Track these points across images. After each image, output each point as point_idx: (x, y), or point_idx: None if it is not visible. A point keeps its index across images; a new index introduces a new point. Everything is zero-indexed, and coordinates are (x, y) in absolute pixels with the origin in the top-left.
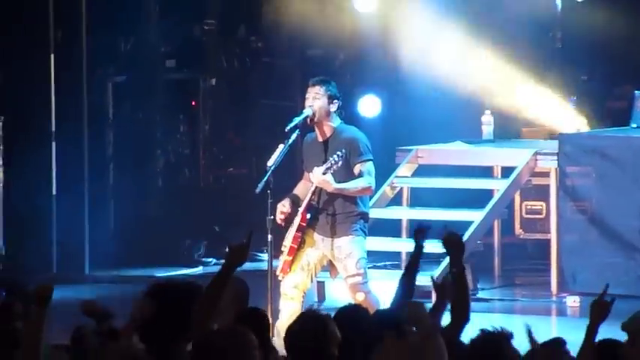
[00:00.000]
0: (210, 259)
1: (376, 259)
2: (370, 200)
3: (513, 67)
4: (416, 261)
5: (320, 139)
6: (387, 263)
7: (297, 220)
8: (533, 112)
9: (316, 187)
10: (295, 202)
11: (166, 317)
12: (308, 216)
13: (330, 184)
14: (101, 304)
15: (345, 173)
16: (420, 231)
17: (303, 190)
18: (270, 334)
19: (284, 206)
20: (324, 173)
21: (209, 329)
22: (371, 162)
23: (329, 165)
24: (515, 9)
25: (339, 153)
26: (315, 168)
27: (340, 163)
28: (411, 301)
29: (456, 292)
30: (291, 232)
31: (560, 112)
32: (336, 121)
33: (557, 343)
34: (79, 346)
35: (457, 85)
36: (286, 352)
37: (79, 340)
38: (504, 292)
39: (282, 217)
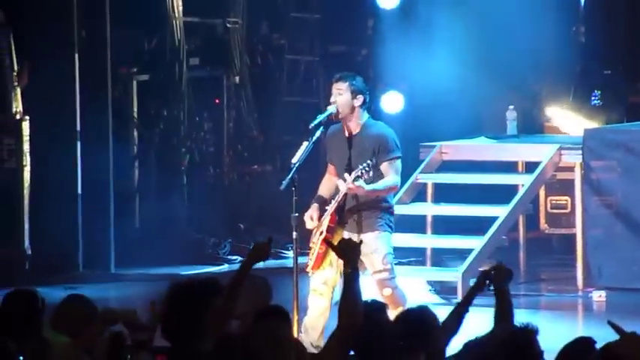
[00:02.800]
0: (235, 257)
1: (401, 255)
2: (395, 196)
3: (537, 63)
4: (472, 296)
5: (346, 134)
6: (412, 259)
7: (326, 221)
8: (558, 106)
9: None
10: (322, 205)
11: (186, 314)
12: (336, 218)
13: (362, 187)
14: (138, 316)
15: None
16: (500, 273)
17: (329, 186)
18: (295, 331)
19: (312, 218)
20: (354, 181)
21: (229, 327)
22: (399, 159)
23: (359, 174)
24: (539, 4)
25: (369, 162)
26: (346, 175)
27: (371, 173)
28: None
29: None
30: (319, 230)
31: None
32: (363, 117)
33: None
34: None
35: (481, 80)
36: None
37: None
38: (530, 288)
39: (313, 225)
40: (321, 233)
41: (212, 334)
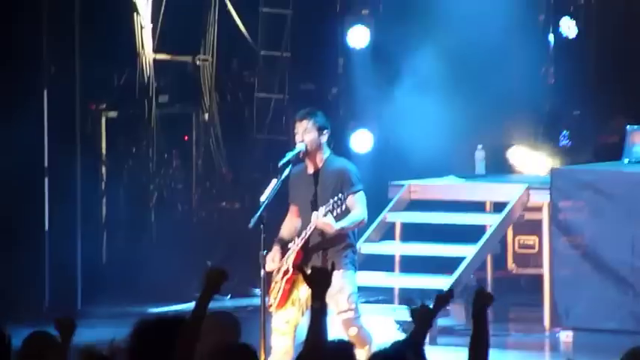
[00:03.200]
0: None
1: (369, 294)
2: (362, 234)
3: (506, 103)
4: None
5: (310, 172)
6: (380, 298)
7: (290, 259)
8: (525, 147)
9: (314, 229)
10: (283, 246)
11: (153, 352)
12: (302, 255)
13: (332, 226)
14: (99, 350)
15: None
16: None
17: (290, 227)
18: None
19: (273, 261)
20: (324, 215)
21: None
22: (362, 192)
23: (330, 208)
24: (507, 44)
25: (340, 196)
26: (315, 212)
27: (343, 207)
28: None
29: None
30: (283, 268)
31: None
32: (326, 152)
33: None
34: None
35: (450, 120)
36: None
37: None
38: (497, 327)
39: (274, 267)
40: (286, 272)
41: None
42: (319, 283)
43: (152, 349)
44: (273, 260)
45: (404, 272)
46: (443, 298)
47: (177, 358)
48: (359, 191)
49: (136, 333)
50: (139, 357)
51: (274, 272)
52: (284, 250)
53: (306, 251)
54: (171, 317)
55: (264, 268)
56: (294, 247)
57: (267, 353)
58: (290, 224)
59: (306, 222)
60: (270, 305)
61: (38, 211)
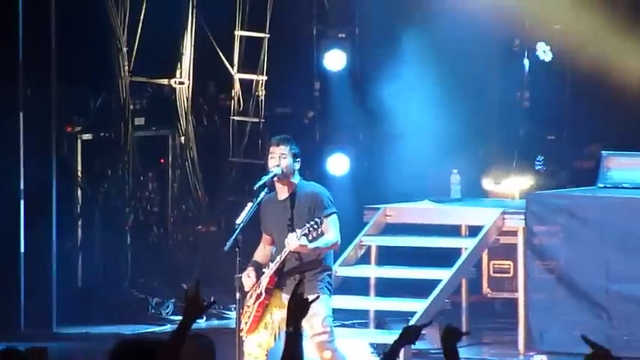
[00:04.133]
0: (178, 317)
1: (344, 317)
2: (337, 257)
3: (481, 127)
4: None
5: (282, 197)
6: (355, 321)
7: (264, 283)
8: (501, 171)
9: (288, 252)
10: (257, 269)
11: None
12: (275, 279)
13: (306, 246)
14: None
15: None
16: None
17: (264, 253)
18: None
19: (249, 277)
20: (298, 238)
21: None
22: (335, 215)
23: (306, 232)
24: (483, 68)
25: (317, 220)
26: (290, 234)
27: (319, 230)
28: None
29: None
30: (256, 292)
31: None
32: (297, 178)
33: None
34: None
35: (425, 144)
36: None
37: None
38: (472, 351)
39: (249, 286)
40: (258, 296)
41: None
42: (297, 311)
43: None
44: (248, 276)
45: (379, 296)
46: (410, 334)
47: None
48: (332, 214)
49: (115, 354)
50: None
51: (247, 297)
52: (258, 272)
53: (280, 275)
54: (150, 340)
55: (239, 290)
56: (269, 271)
57: None
58: (263, 250)
59: (280, 247)
60: (242, 330)
61: (14, 233)
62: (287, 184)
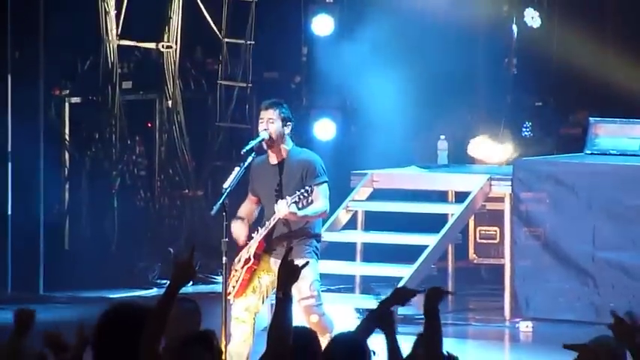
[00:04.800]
0: (164, 281)
1: (330, 282)
2: (324, 223)
3: (469, 93)
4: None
5: (273, 162)
6: (341, 287)
7: (252, 248)
8: (488, 137)
9: (277, 219)
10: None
11: (121, 339)
12: (264, 245)
13: (296, 213)
14: (63, 337)
15: None
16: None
17: (248, 210)
18: (223, 357)
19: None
20: (288, 206)
21: (157, 351)
22: (326, 184)
23: (296, 200)
24: (471, 34)
25: (307, 188)
26: (280, 201)
27: (310, 199)
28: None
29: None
30: (244, 255)
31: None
32: (289, 144)
33: None
34: None
35: (412, 109)
36: None
37: None
38: (458, 317)
39: (244, 238)
40: (247, 260)
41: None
42: (288, 277)
43: (120, 335)
44: (241, 229)
45: (365, 261)
46: (401, 296)
47: (142, 349)
48: (323, 183)
49: (105, 319)
50: (106, 343)
51: (235, 261)
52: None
53: (269, 241)
54: (140, 305)
55: (225, 255)
56: (258, 236)
57: (228, 340)
58: (248, 206)
59: (270, 212)
60: (229, 293)
61: (1, 196)
62: (278, 150)
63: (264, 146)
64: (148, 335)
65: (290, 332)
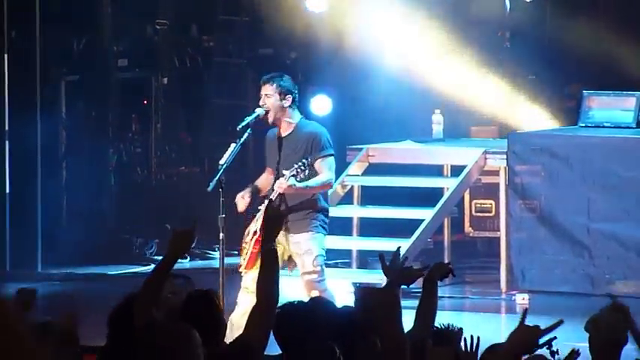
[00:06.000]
0: (161, 257)
1: (327, 257)
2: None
3: (463, 65)
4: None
5: (283, 135)
6: (338, 261)
7: (259, 221)
8: (482, 111)
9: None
10: (255, 193)
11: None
12: None
13: (293, 186)
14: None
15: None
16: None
17: (265, 182)
18: (222, 314)
19: (243, 198)
20: (287, 179)
21: (152, 319)
22: (332, 157)
23: (294, 172)
24: (464, 8)
25: (304, 161)
26: (280, 178)
27: (307, 172)
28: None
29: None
30: (252, 229)
31: (509, 111)
32: (295, 117)
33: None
34: None
35: (408, 84)
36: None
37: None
38: (454, 290)
39: (243, 207)
40: (255, 233)
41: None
42: (272, 225)
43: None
44: (243, 197)
45: (362, 235)
46: (408, 276)
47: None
48: (329, 156)
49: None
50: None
51: (244, 235)
52: (253, 196)
53: None
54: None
55: (222, 230)
56: (264, 208)
57: (227, 315)
58: (266, 177)
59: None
60: (240, 266)
61: None
62: (282, 123)
63: (267, 121)
64: (141, 302)
65: (277, 285)
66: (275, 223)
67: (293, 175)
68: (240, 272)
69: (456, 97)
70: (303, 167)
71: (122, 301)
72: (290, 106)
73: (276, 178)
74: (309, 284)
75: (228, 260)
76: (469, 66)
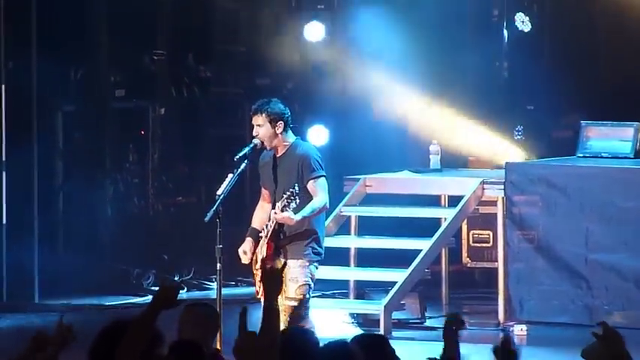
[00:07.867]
0: (158, 288)
1: (324, 287)
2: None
3: (460, 97)
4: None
5: (276, 155)
6: (336, 292)
7: (263, 249)
8: (480, 142)
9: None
10: (255, 237)
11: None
12: (273, 246)
13: (292, 218)
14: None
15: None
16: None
17: (261, 216)
18: None
19: (245, 252)
20: (282, 210)
21: None
22: (323, 178)
23: (285, 203)
24: (462, 39)
25: (292, 190)
26: (272, 212)
27: (297, 200)
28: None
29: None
30: (259, 256)
31: (506, 143)
32: (289, 138)
33: None
34: None
35: (405, 115)
36: None
37: None
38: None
39: (247, 260)
40: (262, 261)
41: None
42: (270, 284)
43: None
44: (244, 252)
45: (359, 266)
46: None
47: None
48: (320, 177)
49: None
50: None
51: (252, 262)
52: (257, 241)
53: (275, 242)
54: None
55: (220, 261)
56: (263, 239)
57: (225, 347)
58: (261, 212)
59: (275, 201)
60: (257, 292)
61: None
62: (278, 147)
63: (266, 148)
64: (126, 346)
65: (276, 341)
66: (273, 283)
67: (285, 206)
68: (259, 299)
69: (454, 129)
70: (292, 197)
71: (97, 336)
72: (283, 131)
73: (274, 201)
74: (289, 309)
75: (225, 291)
76: (465, 102)
